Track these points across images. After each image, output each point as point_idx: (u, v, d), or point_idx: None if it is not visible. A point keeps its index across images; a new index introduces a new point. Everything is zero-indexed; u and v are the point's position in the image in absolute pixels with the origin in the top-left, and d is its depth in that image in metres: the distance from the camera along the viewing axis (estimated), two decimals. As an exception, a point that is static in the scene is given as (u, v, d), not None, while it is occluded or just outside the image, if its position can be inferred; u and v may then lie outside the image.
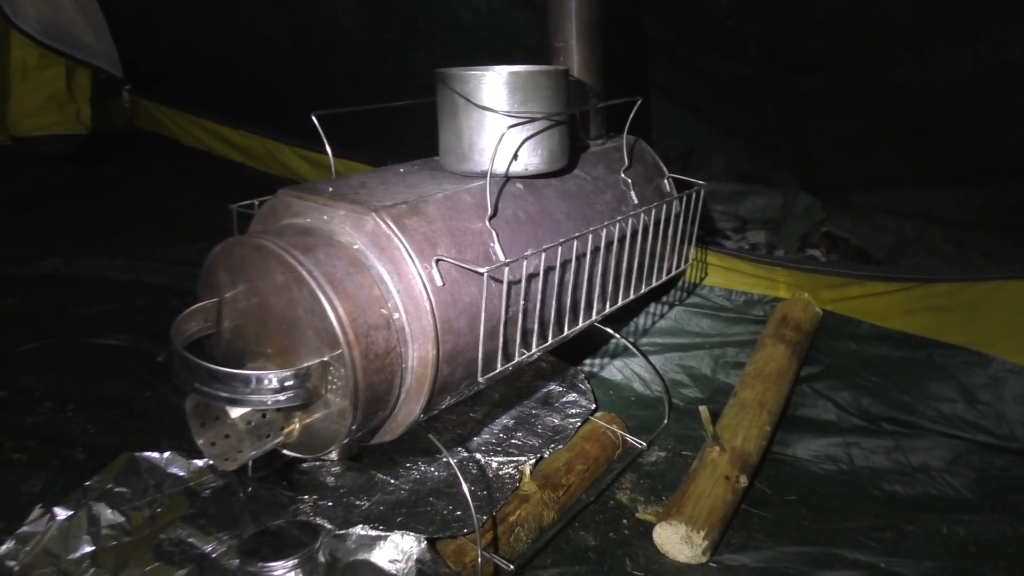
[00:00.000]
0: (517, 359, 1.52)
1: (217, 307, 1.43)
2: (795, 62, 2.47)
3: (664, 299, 2.44)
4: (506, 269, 1.44)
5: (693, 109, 2.93)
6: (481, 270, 1.35)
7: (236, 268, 1.38)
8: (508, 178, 1.61)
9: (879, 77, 2.36)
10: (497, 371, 1.47)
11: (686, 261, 2.12)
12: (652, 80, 2.79)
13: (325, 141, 1.65)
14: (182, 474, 1.71)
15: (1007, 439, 1.95)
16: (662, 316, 2.42)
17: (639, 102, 1.87)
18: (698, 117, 2.96)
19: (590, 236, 1.63)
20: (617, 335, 2.22)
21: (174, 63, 4.19)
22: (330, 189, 1.48)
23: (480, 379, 1.44)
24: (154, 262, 2.94)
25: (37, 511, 1.55)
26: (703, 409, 1.82)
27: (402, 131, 3.02)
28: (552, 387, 2.16)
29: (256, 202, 1.59)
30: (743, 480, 1.77)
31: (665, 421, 2.12)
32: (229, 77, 3.86)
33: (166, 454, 1.73)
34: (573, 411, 2.05)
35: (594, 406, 2.10)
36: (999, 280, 2.03)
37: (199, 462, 1.73)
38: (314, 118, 1.64)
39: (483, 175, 1.54)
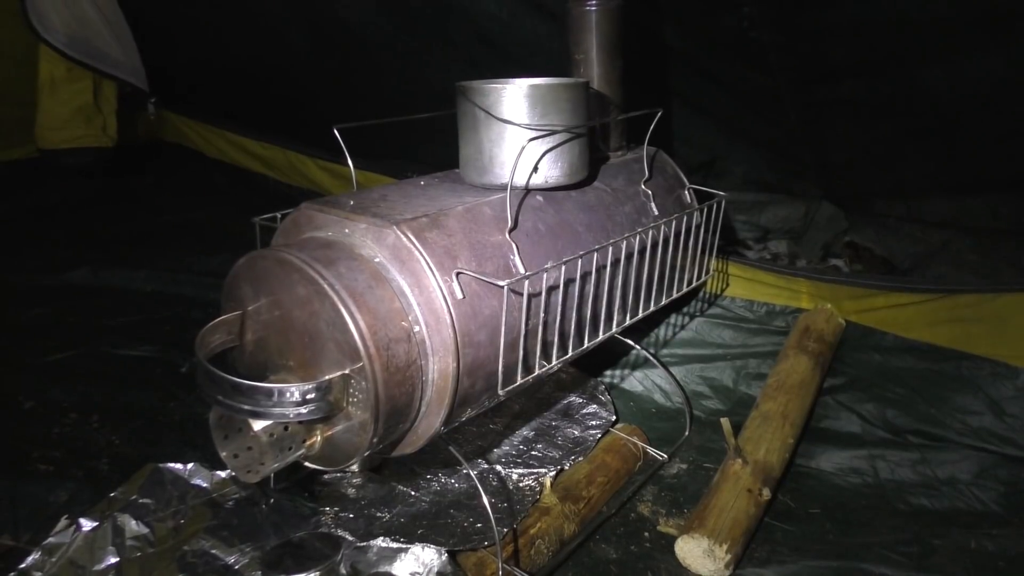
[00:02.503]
0: (537, 371, 1.52)
1: (240, 320, 1.44)
2: (818, 70, 2.45)
3: (685, 310, 2.43)
4: (526, 282, 1.44)
5: (715, 118, 2.92)
6: (501, 283, 1.35)
7: (259, 281, 1.39)
8: (528, 191, 1.61)
9: (905, 83, 2.32)
10: (517, 384, 1.47)
11: (707, 272, 2.11)
12: (673, 89, 2.78)
13: (347, 154, 1.66)
14: (205, 485, 1.72)
15: (1037, 452, 1.92)
16: (683, 327, 2.41)
17: (659, 114, 1.87)
18: (720, 126, 2.95)
19: (610, 248, 1.63)
20: (637, 346, 2.21)
21: (198, 75, 4.24)
22: (351, 202, 1.49)
23: (500, 392, 1.44)
24: (178, 273, 2.98)
25: (63, 522, 1.58)
26: (725, 421, 1.81)
27: (422, 141, 3.03)
28: (572, 399, 2.16)
29: (278, 215, 1.60)
30: (766, 493, 1.75)
31: (686, 433, 2.11)
32: (252, 89, 3.90)
33: (189, 465, 1.75)
34: (593, 423, 2.05)
35: (614, 418, 2.09)
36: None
37: (222, 473, 1.74)
38: (336, 132, 1.65)
39: (503, 188, 1.55)
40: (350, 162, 1.68)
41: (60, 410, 2.10)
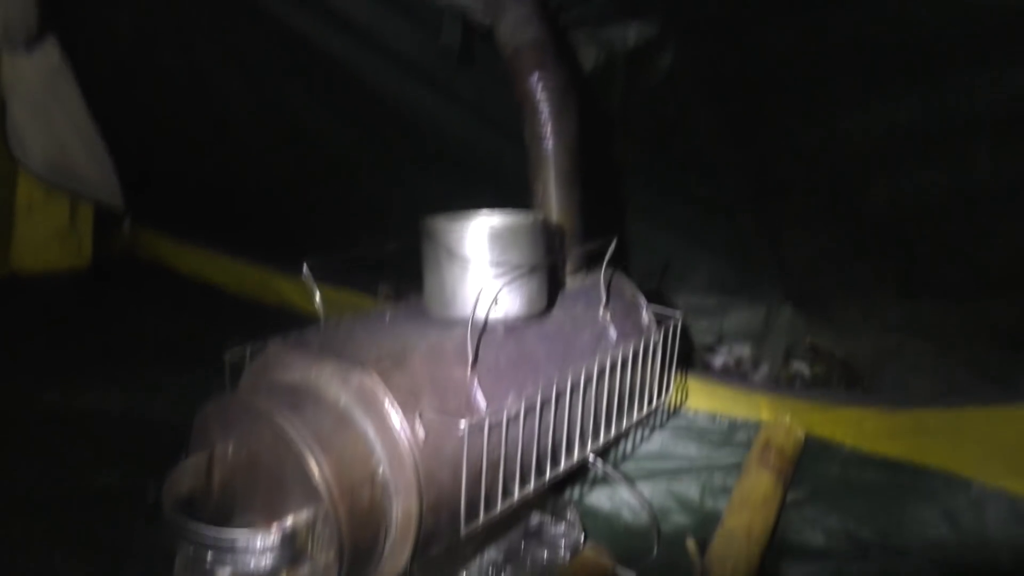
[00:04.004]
0: (500, 507, 1.55)
1: (208, 460, 1.47)
2: (771, 186, 2.58)
3: (649, 423, 2.46)
4: (487, 419, 1.49)
5: (673, 225, 3.02)
6: (462, 425, 1.40)
7: (228, 424, 1.43)
8: (488, 324, 1.68)
9: (853, 199, 2.45)
10: (479, 521, 1.50)
11: (667, 390, 2.16)
12: (630, 197, 2.90)
13: (316, 292, 1.73)
14: (170, 626, 1.70)
15: (991, 562, 1.95)
16: (646, 440, 2.44)
17: (615, 241, 1.96)
18: (678, 232, 3.04)
19: (568, 378, 1.69)
20: (601, 464, 2.23)
21: (171, 192, 4.32)
22: (318, 342, 1.55)
23: (462, 532, 1.47)
24: (149, 392, 2.97)
25: None
26: (690, 542, 1.83)
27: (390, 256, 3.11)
28: (540, 518, 2.16)
29: (247, 353, 1.65)
30: (732, 614, 1.77)
31: (653, 553, 2.12)
32: (226, 207, 3.99)
33: (155, 606, 1.73)
34: (562, 543, 2.06)
35: (583, 536, 2.10)
36: (979, 407, 2.08)
37: (188, 612, 1.72)
38: (305, 268, 1.73)
39: (465, 322, 1.61)
40: (317, 299, 1.74)
41: (25, 547, 2.07)
